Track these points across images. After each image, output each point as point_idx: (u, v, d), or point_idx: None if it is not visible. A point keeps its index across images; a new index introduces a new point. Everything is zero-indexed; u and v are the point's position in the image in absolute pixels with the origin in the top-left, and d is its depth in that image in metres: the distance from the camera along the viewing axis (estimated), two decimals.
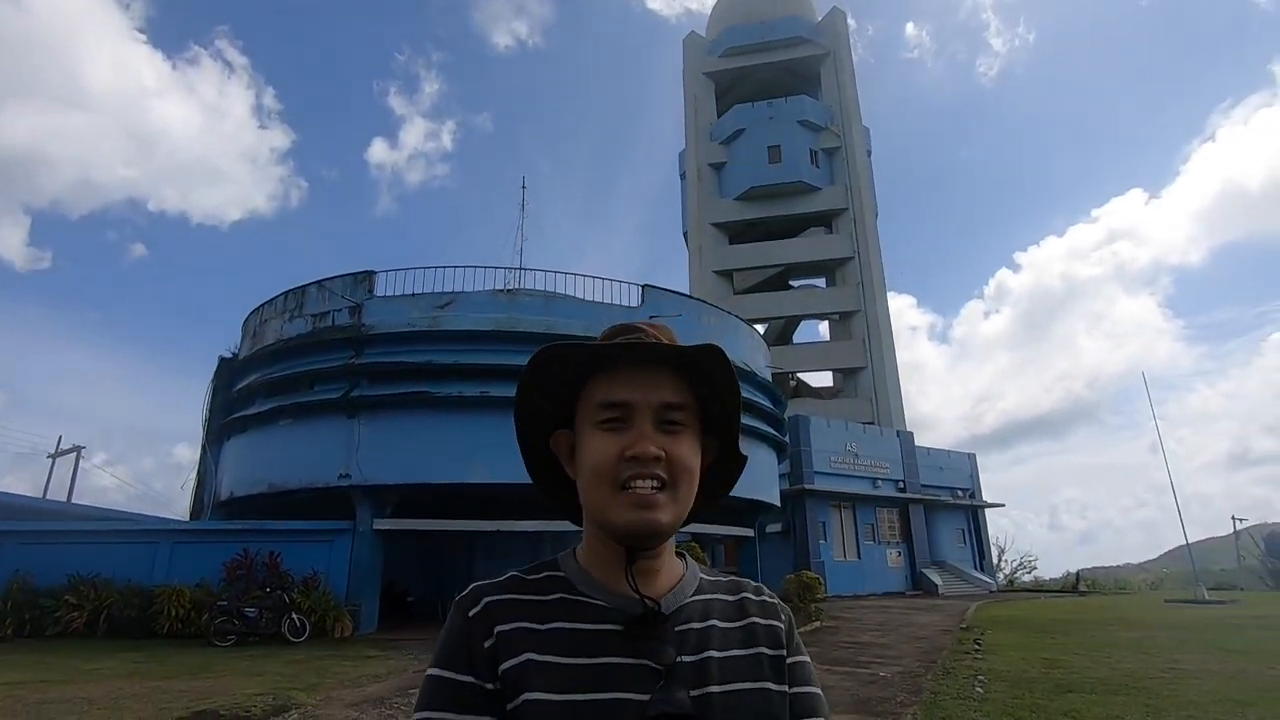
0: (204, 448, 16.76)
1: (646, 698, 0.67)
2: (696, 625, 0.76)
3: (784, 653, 0.80)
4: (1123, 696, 6.47)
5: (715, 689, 0.71)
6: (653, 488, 0.72)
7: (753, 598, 0.85)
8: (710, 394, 0.79)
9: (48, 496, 25.87)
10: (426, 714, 0.68)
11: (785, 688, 0.77)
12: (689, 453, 0.75)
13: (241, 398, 15.40)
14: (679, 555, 0.84)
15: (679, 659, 0.71)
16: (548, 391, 0.79)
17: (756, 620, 0.81)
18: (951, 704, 6.33)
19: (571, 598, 0.74)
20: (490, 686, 0.68)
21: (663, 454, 0.73)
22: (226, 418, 15.67)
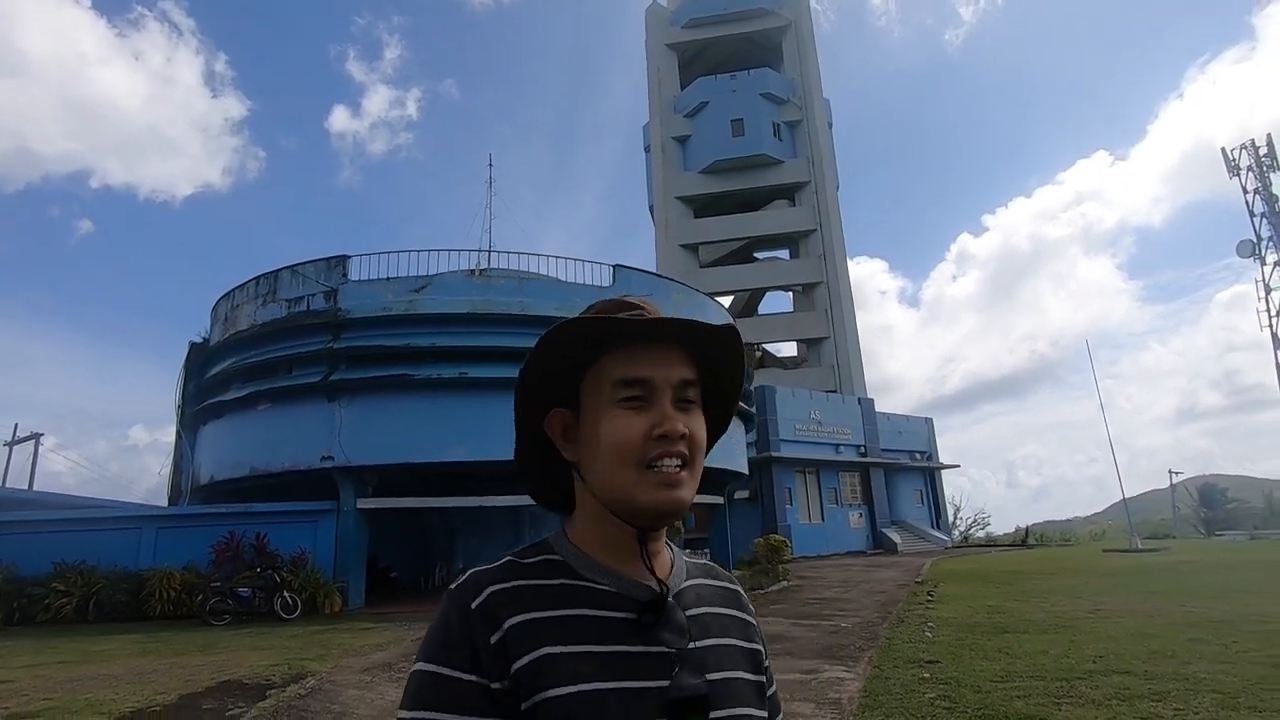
0: (179, 433, 16.79)
1: (664, 683, 0.66)
2: (697, 610, 0.75)
3: (759, 647, 0.81)
4: (1050, 634, 7.36)
5: (720, 675, 0.71)
6: (677, 466, 0.71)
7: (729, 586, 0.84)
8: (716, 371, 0.79)
9: (7, 484, 25.48)
10: (420, 714, 0.64)
11: (762, 679, 0.78)
12: (701, 429, 0.75)
13: (217, 383, 15.47)
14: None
15: (691, 644, 0.71)
16: (554, 369, 0.76)
17: (738, 611, 0.81)
18: (903, 647, 7.13)
19: (577, 583, 0.71)
20: (496, 685, 0.64)
21: (688, 431, 0.72)
22: (201, 403, 15.75)
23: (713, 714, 0.67)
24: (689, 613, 0.74)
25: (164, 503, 16.93)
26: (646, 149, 43.08)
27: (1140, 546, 23.10)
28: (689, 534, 20.14)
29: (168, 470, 17.31)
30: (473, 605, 0.67)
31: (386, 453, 13.53)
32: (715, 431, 0.83)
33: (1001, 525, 44.81)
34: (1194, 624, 7.63)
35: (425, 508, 15.43)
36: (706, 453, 0.83)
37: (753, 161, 38.97)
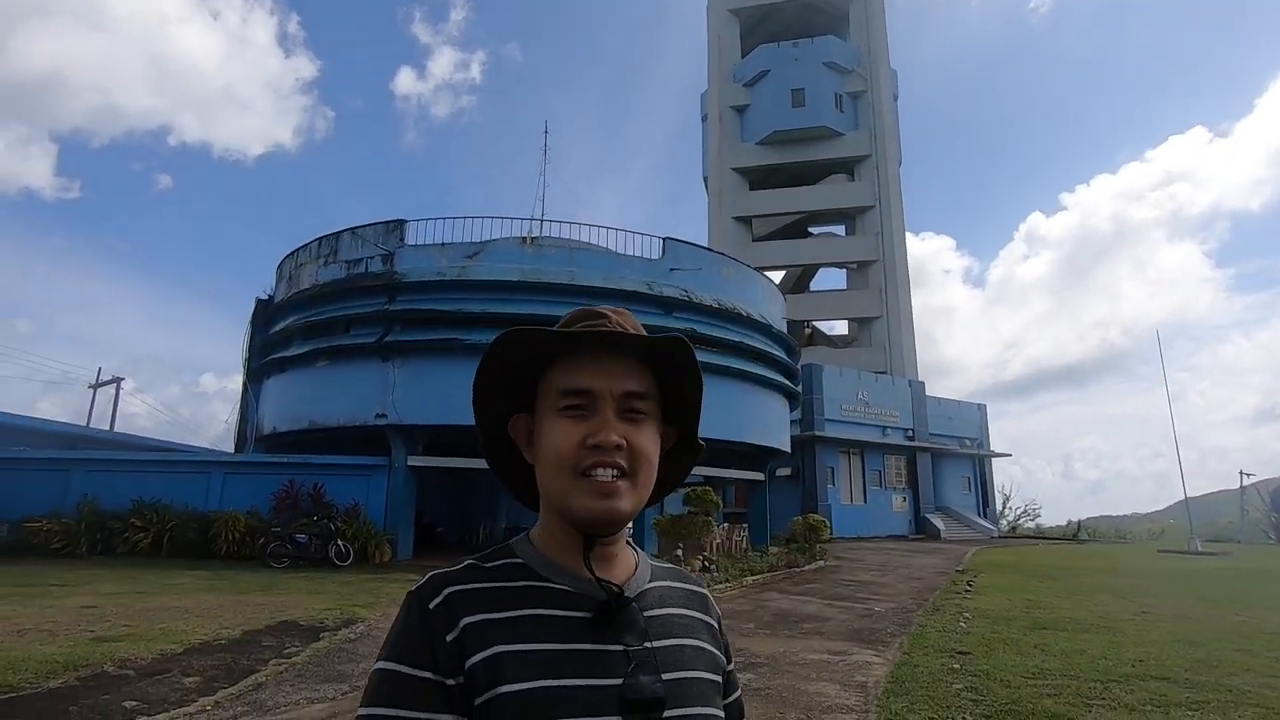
0: (245, 385, 17.70)
1: (618, 682, 0.68)
2: (658, 611, 0.77)
3: (720, 651, 0.82)
4: (1090, 634, 7.23)
5: (676, 675, 0.72)
6: (613, 476, 0.72)
7: (695, 589, 0.85)
8: (673, 384, 0.79)
9: (90, 425, 27.36)
10: (379, 710, 0.65)
11: (719, 679, 0.79)
12: (649, 442, 0.75)
13: (280, 339, 16.19)
14: (627, 544, 0.83)
15: (647, 644, 0.72)
16: (508, 375, 0.77)
17: (701, 613, 0.83)
18: (936, 635, 7.12)
19: (537, 584, 0.73)
20: (451, 682, 0.66)
21: (624, 442, 0.72)
22: (265, 358, 16.53)
23: (669, 713, 0.69)
24: (650, 613, 0.76)
25: (231, 449, 17.99)
26: (703, 118, 42.36)
27: (1200, 549, 22.19)
28: (728, 509, 20.28)
29: (234, 419, 18.33)
30: (431, 605, 0.69)
31: (436, 413, 13.98)
32: (687, 449, 0.84)
33: (1053, 517, 43.69)
34: (1246, 634, 7.37)
35: (472, 468, 15.93)
36: (686, 473, 0.86)
37: (812, 133, 37.94)
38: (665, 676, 0.71)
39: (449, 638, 0.67)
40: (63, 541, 12.49)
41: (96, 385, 30.58)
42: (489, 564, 0.75)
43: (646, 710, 0.68)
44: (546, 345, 0.75)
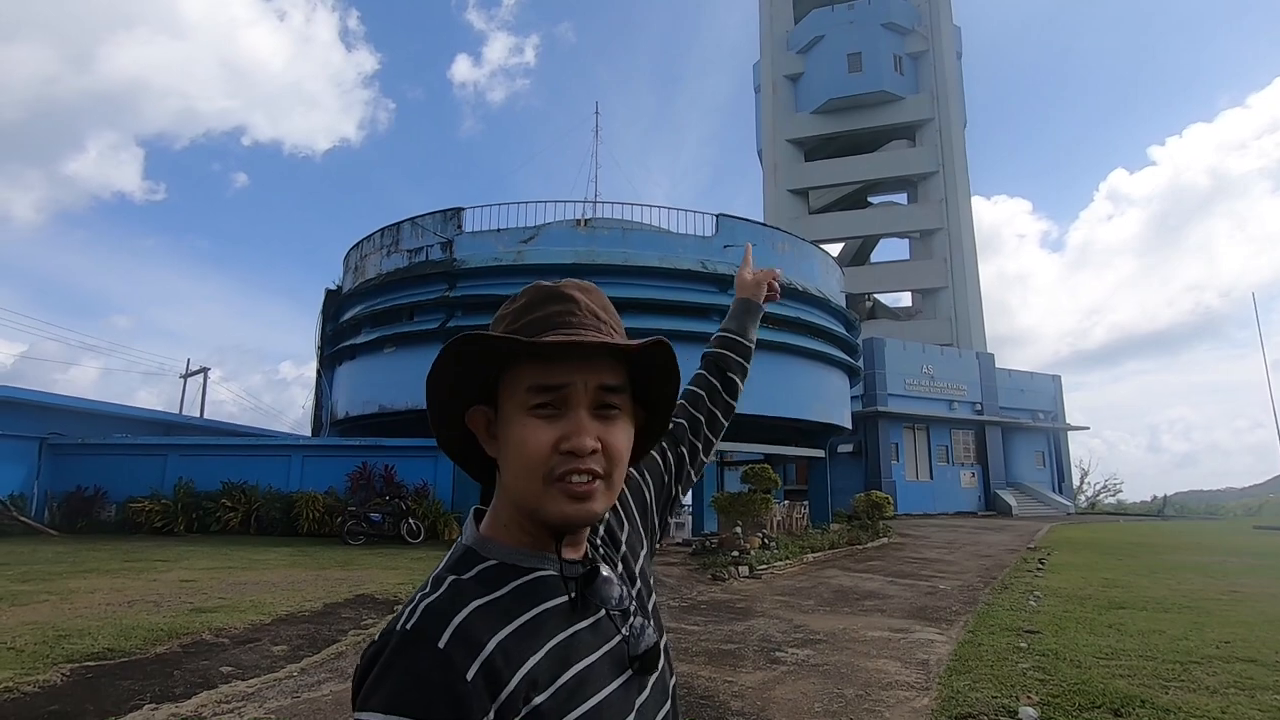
0: (319, 372, 18.60)
1: (617, 641, 0.70)
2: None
3: None
4: (1172, 614, 6.91)
5: (641, 619, 0.75)
6: (588, 480, 0.66)
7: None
8: (649, 380, 0.73)
9: (182, 412, 29.27)
10: None
11: None
12: (624, 440, 0.70)
13: (349, 327, 16.90)
14: None
15: (628, 597, 0.74)
16: (468, 374, 0.70)
17: None
18: (1003, 614, 6.95)
19: (523, 581, 0.68)
20: None
21: (599, 445, 0.67)
22: (336, 345, 17.30)
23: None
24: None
25: (308, 433, 18.98)
26: (756, 89, 41.43)
27: None
28: (788, 487, 20.13)
29: (310, 404, 19.31)
30: (442, 644, 0.60)
31: None
32: (657, 430, 0.78)
33: (1137, 492, 41.45)
34: None
35: None
36: (650, 449, 0.80)
37: (870, 99, 36.62)
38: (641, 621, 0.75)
39: (469, 675, 0.59)
40: (163, 520, 13.53)
41: (186, 375, 32.69)
42: (466, 575, 0.67)
43: (650, 654, 0.71)
44: (507, 351, 0.68)
